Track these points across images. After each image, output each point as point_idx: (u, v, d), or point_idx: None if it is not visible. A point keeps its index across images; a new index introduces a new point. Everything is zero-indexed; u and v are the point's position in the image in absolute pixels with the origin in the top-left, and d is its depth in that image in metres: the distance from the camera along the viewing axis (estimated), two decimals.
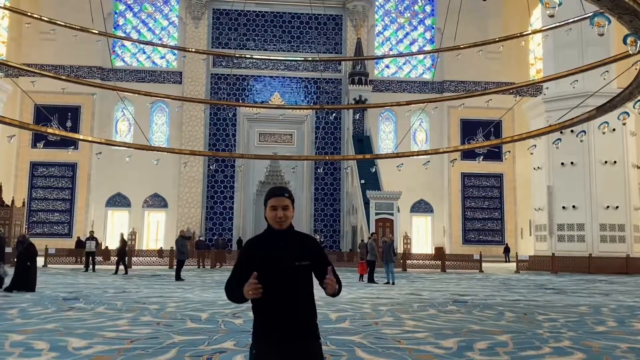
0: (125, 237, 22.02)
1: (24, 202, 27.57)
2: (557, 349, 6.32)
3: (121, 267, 19.45)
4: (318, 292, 2.66)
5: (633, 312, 10.06)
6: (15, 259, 13.35)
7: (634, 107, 12.14)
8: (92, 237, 21.06)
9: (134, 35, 36.45)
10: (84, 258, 21.97)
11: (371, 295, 12.81)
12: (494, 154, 33.23)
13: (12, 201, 25.64)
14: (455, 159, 26.06)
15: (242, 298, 2.59)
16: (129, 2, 37.80)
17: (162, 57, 37.39)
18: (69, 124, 33.66)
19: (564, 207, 24.48)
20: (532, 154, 22.43)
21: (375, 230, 26.47)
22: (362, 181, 29.98)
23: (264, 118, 34.82)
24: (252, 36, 37.07)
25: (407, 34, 39.30)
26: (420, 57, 38.68)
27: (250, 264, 2.62)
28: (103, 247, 27.45)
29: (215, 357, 5.70)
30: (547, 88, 26.06)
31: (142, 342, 6.47)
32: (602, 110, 11.59)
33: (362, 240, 25.72)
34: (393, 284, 16.28)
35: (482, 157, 21.38)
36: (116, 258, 20.06)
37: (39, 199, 34.44)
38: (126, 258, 20.32)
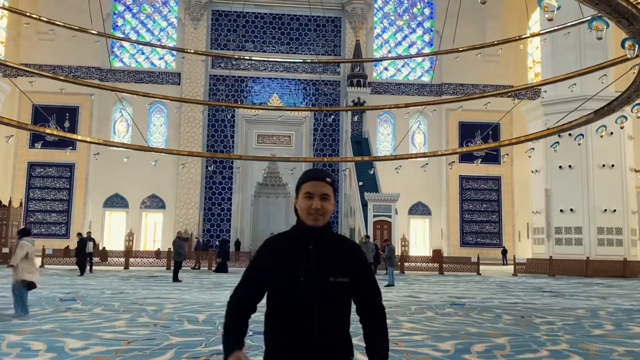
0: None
1: (21, 203, 27.53)
2: (555, 352, 6.32)
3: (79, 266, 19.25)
4: None
5: (630, 315, 10.08)
6: None
7: (631, 111, 12.18)
8: (89, 238, 21.00)
9: (133, 36, 36.44)
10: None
11: None
12: (492, 157, 33.22)
13: (10, 201, 25.60)
14: (454, 162, 26.07)
15: (228, 345, 1.92)
16: (128, 3, 37.79)
17: (160, 58, 37.37)
18: (67, 124, 33.57)
19: (561, 210, 24.50)
20: (530, 157, 22.44)
21: (373, 232, 26.46)
22: (361, 183, 29.99)
23: (263, 119, 34.77)
24: (251, 38, 37.08)
25: (406, 36, 39.36)
26: (419, 59, 38.75)
27: (266, 272, 1.97)
28: (100, 248, 27.39)
29: (213, 359, 5.70)
30: (546, 91, 26.10)
31: (140, 344, 6.46)
32: (600, 113, 11.63)
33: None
34: (393, 285, 16.38)
35: (480, 159, 21.41)
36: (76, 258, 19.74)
37: (37, 200, 34.36)
38: (87, 258, 20.20)
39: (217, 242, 27.29)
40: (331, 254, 1.97)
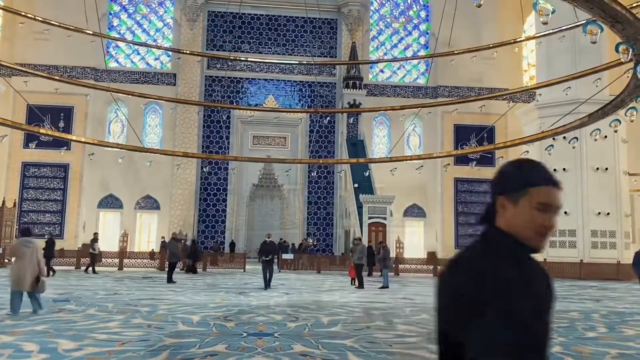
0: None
1: (15, 203, 27.38)
2: None
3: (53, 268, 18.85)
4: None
5: (623, 318, 10.12)
6: None
7: (625, 115, 12.26)
8: (95, 240, 20.93)
9: (129, 37, 36.35)
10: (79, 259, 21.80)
11: (363, 299, 12.81)
12: (487, 160, 33.34)
13: (3, 201, 25.48)
14: (449, 164, 26.17)
15: None
16: (123, 3, 37.71)
17: (156, 59, 37.30)
18: (61, 124, 33.48)
19: None
20: None
21: (368, 234, 26.46)
22: (356, 185, 30.01)
23: (258, 121, 34.74)
24: (247, 39, 37.07)
25: (402, 38, 39.45)
26: (415, 62, 38.81)
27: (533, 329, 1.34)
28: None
29: None
30: (540, 94, 26.22)
31: (133, 345, 6.44)
32: (594, 117, 11.70)
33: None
34: (387, 287, 16.39)
35: (475, 162, 21.50)
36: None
37: (31, 200, 34.20)
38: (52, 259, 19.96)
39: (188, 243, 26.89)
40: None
